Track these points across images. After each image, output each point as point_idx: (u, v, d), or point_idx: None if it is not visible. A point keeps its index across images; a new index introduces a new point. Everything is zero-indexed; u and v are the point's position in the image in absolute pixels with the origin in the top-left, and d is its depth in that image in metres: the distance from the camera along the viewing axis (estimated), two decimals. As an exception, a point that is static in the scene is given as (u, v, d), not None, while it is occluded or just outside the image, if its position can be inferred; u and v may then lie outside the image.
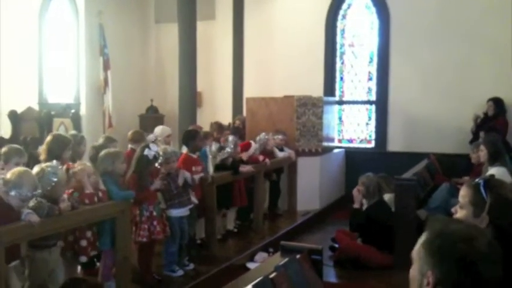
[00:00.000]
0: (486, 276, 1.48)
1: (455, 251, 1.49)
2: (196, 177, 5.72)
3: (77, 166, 4.47)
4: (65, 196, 4.10)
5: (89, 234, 4.45)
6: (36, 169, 3.88)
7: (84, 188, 4.36)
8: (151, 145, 5.11)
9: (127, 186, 4.88)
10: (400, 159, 8.77)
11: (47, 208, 3.76)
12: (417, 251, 1.59)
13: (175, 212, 5.32)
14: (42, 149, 4.95)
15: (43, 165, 4.00)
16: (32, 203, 3.72)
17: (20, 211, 3.60)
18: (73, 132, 6.43)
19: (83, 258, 4.47)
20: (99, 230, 4.62)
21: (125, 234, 4.66)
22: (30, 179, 3.68)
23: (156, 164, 5.18)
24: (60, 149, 4.83)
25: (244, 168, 6.75)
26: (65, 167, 4.45)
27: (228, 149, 6.62)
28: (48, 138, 5.02)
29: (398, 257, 5.60)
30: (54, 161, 4.15)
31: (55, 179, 3.87)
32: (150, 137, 6.42)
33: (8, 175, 3.67)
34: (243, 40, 10.36)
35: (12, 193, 3.56)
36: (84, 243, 4.40)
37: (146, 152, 4.99)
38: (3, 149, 4.77)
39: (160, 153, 5.20)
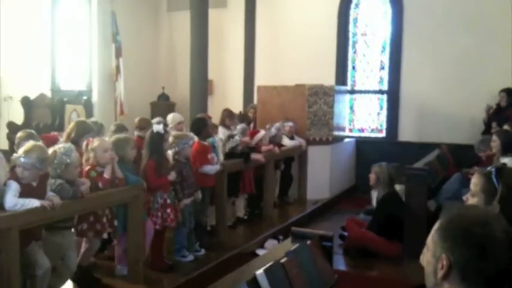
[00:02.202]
0: (501, 260, 1.47)
1: (470, 234, 1.50)
2: (213, 168, 5.77)
3: (95, 141, 4.51)
4: (85, 180, 4.15)
5: (107, 211, 4.51)
6: (49, 151, 3.92)
7: (104, 171, 4.40)
8: (155, 124, 5.17)
9: (144, 173, 4.92)
10: (411, 149, 8.75)
11: (72, 191, 3.82)
12: (431, 236, 1.60)
13: (182, 202, 5.33)
14: (64, 134, 5.01)
15: (56, 147, 4.04)
16: (53, 186, 3.78)
17: (41, 190, 3.66)
18: (93, 119, 6.47)
19: (105, 235, 4.55)
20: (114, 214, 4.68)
21: (138, 220, 4.69)
22: (41, 150, 3.73)
23: (171, 152, 5.22)
24: (80, 135, 4.88)
25: (256, 156, 6.77)
26: (85, 142, 4.51)
27: (236, 137, 6.63)
28: (72, 124, 5.10)
29: (408, 247, 5.61)
30: (68, 143, 4.20)
31: (68, 160, 3.92)
32: (155, 120, 6.50)
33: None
34: (254, 28, 10.33)
35: (22, 160, 3.61)
36: (104, 220, 4.47)
37: (155, 128, 5.04)
38: (18, 134, 4.83)
39: (171, 139, 5.24)
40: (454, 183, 6.82)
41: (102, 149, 4.45)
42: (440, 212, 1.73)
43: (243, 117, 8.08)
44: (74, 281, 4.52)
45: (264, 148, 7.23)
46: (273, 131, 7.69)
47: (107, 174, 4.41)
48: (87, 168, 4.40)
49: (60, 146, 4.07)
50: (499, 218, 1.57)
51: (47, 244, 3.98)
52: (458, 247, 1.50)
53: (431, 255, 1.58)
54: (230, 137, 6.73)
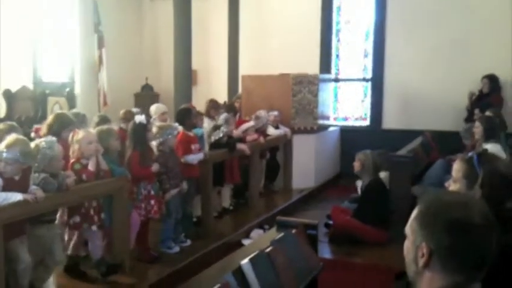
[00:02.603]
0: (482, 246, 1.46)
1: (446, 218, 1.48)
2: (195, 157, 5.76)
3: (80, 133, 4.47)
4: (69, 172, 4.11)
5: (95, 203, 4.48)
6: (31, 145, 3.88)
7: (88, 164, 4.37)
8: (137, 115, 5.15)
9: (129, 165, 4.89)
10: (395, 136, 8.80)
11: (57, 184, 3.79)
12: (410, 224, 1.58)
13: (169, 193, 5.31)
14: (43, 127, 4.96)
15: (38, 141, 4.00)
16: (37, 180, 3.75)
17: (24, 184, 3.63)
18: (75, 110, 6.41)
19: (94, 227, 4.51)
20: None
21: (123, 211, 4.68)
22: (24, 144, 3.70)
23: (155, 142, 5.20)
24: (60, 128, 4.82)
25: (241, 146, 6.76)
26: (71, 134, 4.47)
27: (223, 128, 6.61)
28: (51, 117, 5.04)
29: (393, 233, 5.67)
30: (49, 136, 4.16)
31: (51, 154, 3.88)
32: (135, 110, 6.49)
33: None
34: (238, 17, 10.28)
35: (4, 155, 3.58)
36: (92, 212, 4.44)
37: (137, 119, 5.02)
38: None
39: (155, 129, 5.22)
40: (438, 170, 6.88)
41: (87, 141, 4.42)
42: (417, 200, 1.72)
43: (229, 108, 8.04)
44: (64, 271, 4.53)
45: (249, 138, 7.23)
46: (263, 117, 7.69)
47: (91, 167, 4.38)
48: (71, 160, 4.36)
49: (42, 140, 4.03)
50: (478, 202, 1.56)
51: (32, 238, 3.95)
52: (438, 234, 1.48)
53: (411, 243, 1.56)
54: (216, 128, 6.70)
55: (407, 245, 1.59)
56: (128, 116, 6.25)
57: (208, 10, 10.70)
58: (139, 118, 5.06)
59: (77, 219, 4.34)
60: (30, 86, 10.06)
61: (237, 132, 7.04)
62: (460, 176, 2.85)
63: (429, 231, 1.50)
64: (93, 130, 4.87)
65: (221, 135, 6.56)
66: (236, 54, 10.31)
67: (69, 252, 4.58)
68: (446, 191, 2.50)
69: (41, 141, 4.00)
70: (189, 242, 5.63)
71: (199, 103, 8.39)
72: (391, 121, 9.70)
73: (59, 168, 4.00)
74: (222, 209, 6.95)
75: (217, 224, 6.45)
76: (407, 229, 1.59)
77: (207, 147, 6.42)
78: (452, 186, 2.87)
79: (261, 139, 7.44)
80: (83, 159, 4.41)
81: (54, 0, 10.35)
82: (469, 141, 6.56)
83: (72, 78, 10.06)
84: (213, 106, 7.61)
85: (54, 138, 4.10)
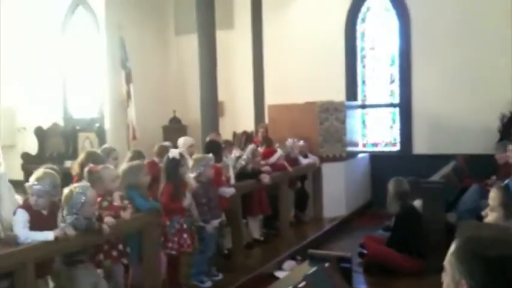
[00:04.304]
0: None
1: (486, 257, 1.45)
2: (229, 191, 5.76)
3: (102, 169, 4.48)
4: (109, 219, 4.09)
5: (120, 246, 4.44)
6: (65, 191, 3.93)
7: (112, 199, 4.38)
8: (171, 149, 5.18)
9: (160, 197, 4.90)
10: (426, 161, 8.64)
11: (86, 222, 3.81)
12: (448, 259, 1.55)
13: (210, 224, 5.29)
14: (75, 165, 5.02)
15: (72, 186, 4.04)
16: (69, 220, 3.77)
17: (52, 220, 3.65)
18: (105, 146, 6.48)
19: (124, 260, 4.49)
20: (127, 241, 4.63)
21: (153, 247, 4.65)
22: (53, 176, 3.80)
23: (192, 174, 5.22)
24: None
25: (264, 179, 6.64)
26: (86, 168, 4.47)
27: (244, 156, 6.60)
28: (81, 155, 5.13)
29: (430, 262, 5.50)
30: (84, 181, 4.20)
31: (83, 198, 3.90)
32: (169, 144, 6.56)
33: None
34: (262, 47, 10.36)
35: (35, 187, 3.67)
36: (115, 253, 4.42)
37: (170, 154, 5.05)
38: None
39: (191, 162, 5.26)
40: (473, 195, 6.72)
41: (110, 179, 4.44)
42: (456, 230, 1.68)
43: (264, 140, 8.03)
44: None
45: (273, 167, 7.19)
46: (288, 146, 7.70)
47: (116, 202, 4.39)
48: (98, 199, 4.35)
49: (76, 185, 4.07)
50: None
51: (73, 278, 3.96)
52: (476, 271, 1.46)
53: (451, 279, 1.53)
54: (238, 158, 6.73)
55: (447, 280, 1.56)
56: (162, 151, 6.27)
57: (233, 41, 10.82)
58: (173, 153, 5.10)
59: (101, 256, 4.32)
60: (61, 123, 10.30)
61: (267, 164, 7.02)
62: (496, 204, 2.79)
63: (468, 268, 1.48)
64: (124, 165, 4.91)
65: (243, 163, 6.55)
66: (261, 83, 10.35)
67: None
68: (484, 224, 2.43)
69: (75, 186, 4.03)
70: (220, 276, 5.56)
71: (226, 134, 8.43)
72: (421, 146, 9.55)
73: (91, 213, 3.99)
74: (253, 240, 6.88)
75: (248, 256, 6.37)
76: (446, 263, 1.57)
77: (233, 178, 6.41)
78: (490, 215, 2.80)
79: (288, 168, 7.38)
80: (108, 196, 4.42)
81: (83, 37, 10.64)
82: (500, 151, 6.45)
83: (102, 114, 10.24)
84: (246, 139, 7.61)
85: (87, 184, 4.12)
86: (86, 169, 4.48)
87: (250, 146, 6.87)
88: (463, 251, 1.51)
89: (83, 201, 3.88)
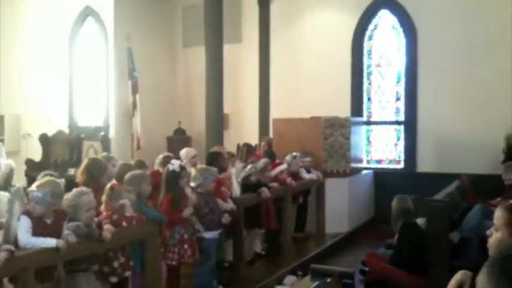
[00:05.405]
0: None
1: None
2: (227, 206, 5.72)
3: (121, 187, 4.49)
4: (109, 226, 4.07)
5: (120, 255, 4.41)
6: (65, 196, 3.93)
7: (125, 211, 4.37)
8: (172, 161, 5.17)
9: (160, 208, 4.89)
10: (430, 179, 8.63)
11: (86, 229, 3.79)
12: (479, 277, 1.59)
13: (211, 234, 5.28)
14: (80, 172, 5.03)
15: (74, 190, 4.04)
16: (71, 226, 3.76)
17: (57, 229, 3.65)
18: (104, 154, 6.51)
19: (113, 279, 4.45)
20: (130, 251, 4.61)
21: (155, 257, 4.63)
22: (54, 185, 3.77)
23: (193, 184, 5.21)
24: (99, 173, 4.92)
25: (264, 193, 6.49)
26: (108, 185, 4.50)
27: (249, 166, 6.59)
28: (87, 161, 5.13)
29: (432, 280, 5.45)
30: (84, 188, 4.19)
31: (76, 201, 3.89)
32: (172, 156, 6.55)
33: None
34: (269, 62, 10.40)
35: (34, 194, 3.63)
36: (116, 264, 4.38)
37: (170, 166, 5.04)
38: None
39: (193, 173, 5.23)
40: (477, 215, 6.65)
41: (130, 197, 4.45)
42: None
43: (267, 154, 7.91)
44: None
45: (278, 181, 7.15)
46: (289, 160, 7.61)
47: (128, 212, 4.38)
48: (109, 212, 4.35)
49: (78, 189, 4.07)
50: None
51: (72, 287, 3.94)
52: None
53: None
54: (243, 167, 6.73)
55: None
56: (166, 161, 6.26)
57: (240, 54, 10.87)
58: (173, 166, 5.08)
59: (106, 268, 4.29)
60: (66, 130, 10.33)
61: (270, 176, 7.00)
62: (501, 223, 2.77)
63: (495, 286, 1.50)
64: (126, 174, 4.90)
65: (248, 172, 6.53)
66: (267, 97, 10.38)
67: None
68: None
69: (75, 189, 4.03)
70: (221, 288, 5.54)
71: (230, 146, 8.43)
72: (426, 164, 9.53)
73: (86, 218, 3.96)
74: (254, 254, 6.83)
75: (250, 269, 6.33)
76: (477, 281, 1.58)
77: (237, 190, 6.39)
78: (494, 234, 2.78)
79: (292, 182, 7.33)
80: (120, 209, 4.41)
81: (91, 46, 10.71)
82: (508, 172, 6.42)
83: (107, 123, 10.27)
84: (247, 151, 7.60)
85: (87, 190, 4.11)
86: (108, 185, 4.50)
87: (263, 160, 6.85)
88: (491, 270, 1.52)
89: (74, 204, 3.88)
